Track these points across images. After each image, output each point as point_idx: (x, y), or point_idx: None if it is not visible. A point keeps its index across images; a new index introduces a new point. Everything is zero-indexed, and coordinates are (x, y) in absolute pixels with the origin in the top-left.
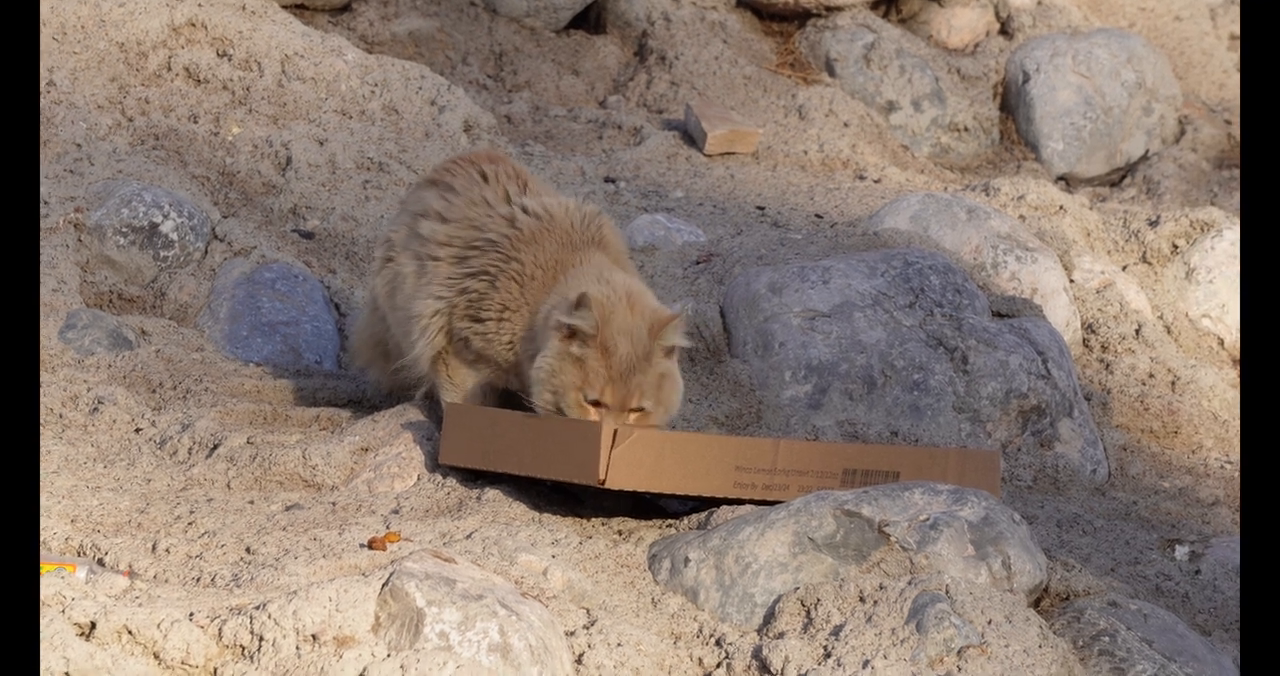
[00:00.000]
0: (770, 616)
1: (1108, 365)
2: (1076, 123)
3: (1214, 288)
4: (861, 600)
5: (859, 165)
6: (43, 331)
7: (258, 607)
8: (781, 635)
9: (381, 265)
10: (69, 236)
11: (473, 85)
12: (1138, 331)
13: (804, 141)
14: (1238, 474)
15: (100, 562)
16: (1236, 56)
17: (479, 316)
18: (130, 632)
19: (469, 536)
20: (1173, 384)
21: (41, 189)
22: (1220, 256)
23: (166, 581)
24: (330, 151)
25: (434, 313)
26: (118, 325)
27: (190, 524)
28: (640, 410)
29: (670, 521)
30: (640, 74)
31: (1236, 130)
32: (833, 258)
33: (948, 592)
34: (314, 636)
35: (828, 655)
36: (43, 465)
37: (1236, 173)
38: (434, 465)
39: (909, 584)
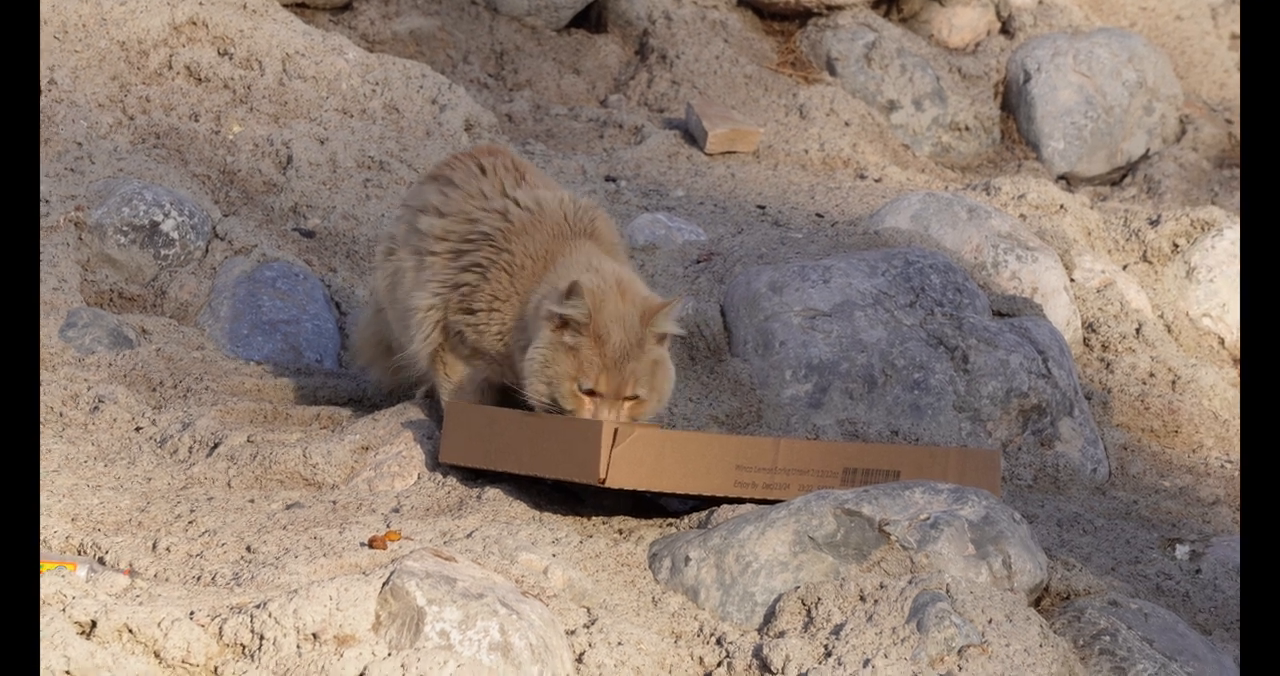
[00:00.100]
0: (771, 615)
1: (1108, 364)
2: (1077, 122)
3: (1214, 287)
4: (862, 599)
5: (860, 164)
6: (43, 330)
7: (258, 606)
8: (782, 634)
9: (383, 260)
10: (69, 235)
11: (474, 84)
12: (1138, 330)
13: (805, 141)
14: (1238, 473)
15: (101, 561)
16: (1237, 56)
17: (471, 308)
18: (131, 631)
19: (469, 535)
20: (1173, 383)
21: (42, 187)
22: (1221, 255)
23: (167, 580)
24: (331, 150)
25: (429, 307)
26: (118, 324)
27: (191, 522)
28: (635, 398)
29: (671, 520)
30: (641, 73)
31: (1237, 129)
32: (833, 257)
33: (948, 592)
34: (315, 635)
35: (828, 654)
36: (43, 464)
37: (1237, 172)
38: (434, 464)
39: (909, 583)
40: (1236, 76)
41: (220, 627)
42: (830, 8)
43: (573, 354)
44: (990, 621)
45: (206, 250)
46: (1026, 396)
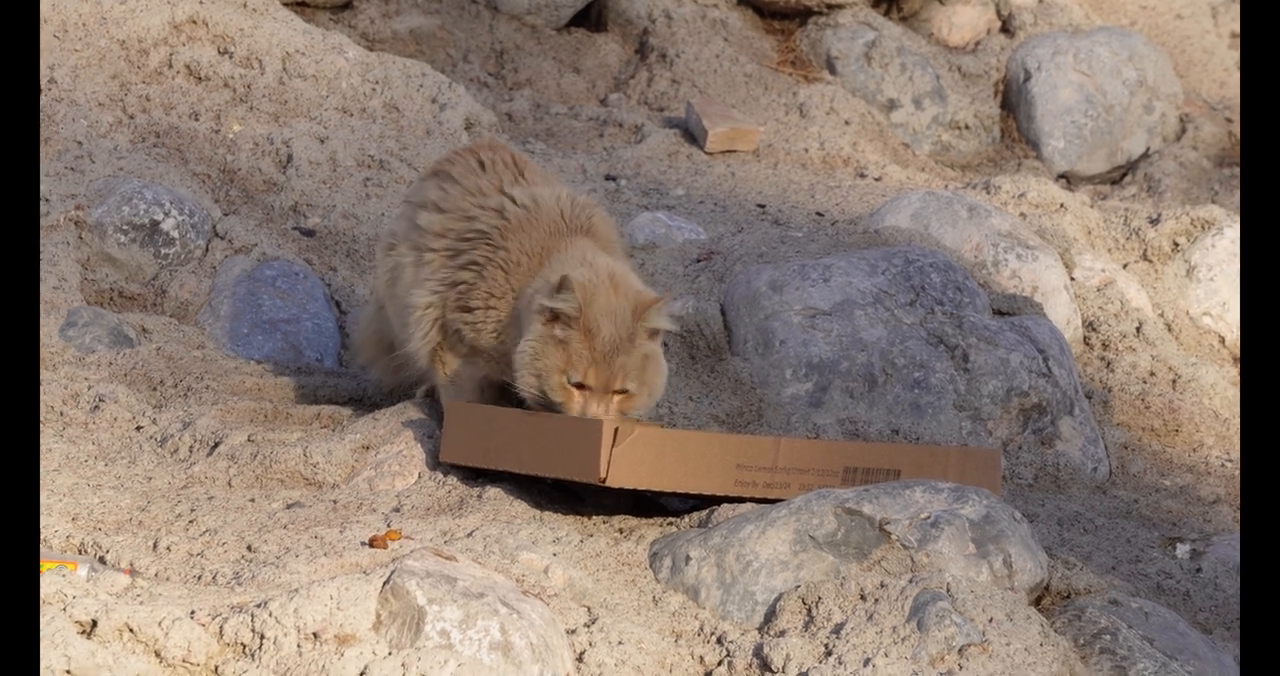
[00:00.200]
0: (771, 614)
1: (1108, 363)
2: (1077, 121)
3: (1215, 285)
4: (862, 598)
5: (860, 163)
6: (43, 329)
7: (259, 605)
8: (782, 633)
9: (383, 256)
10: (70, 234)
11: (474, 83)
12: (1138, 329)
13: (805, 139)
14: (1238, 472)
15: (101, 560)
16: (1237, 54)
17: (468, 306)
18: (131, 630)
19: (470, 534)
20: (1173, 382)
21: (42, 186)
22: (1221, 254)
23: (168, 579)
24: (331, 149)
25: (427, 305)
26: (118, 323)
27: (191, 522)
28: (624, 392)
29: (671, 519)
30: (641, 72)
31: (1237, 128)
32: (833, 255)
33: (949, 591)
34: (315, 634)
35: (829, 653)
36: (43, 463)
37: (1237, 171)
38: (435, 463)
39: (910, 582)
40: (1237, 75)
41: (221, 627)
42: (830, 6)
43: (562, 347)
44: (991, 620)
45: (207, 249)
46: (1027, 395)
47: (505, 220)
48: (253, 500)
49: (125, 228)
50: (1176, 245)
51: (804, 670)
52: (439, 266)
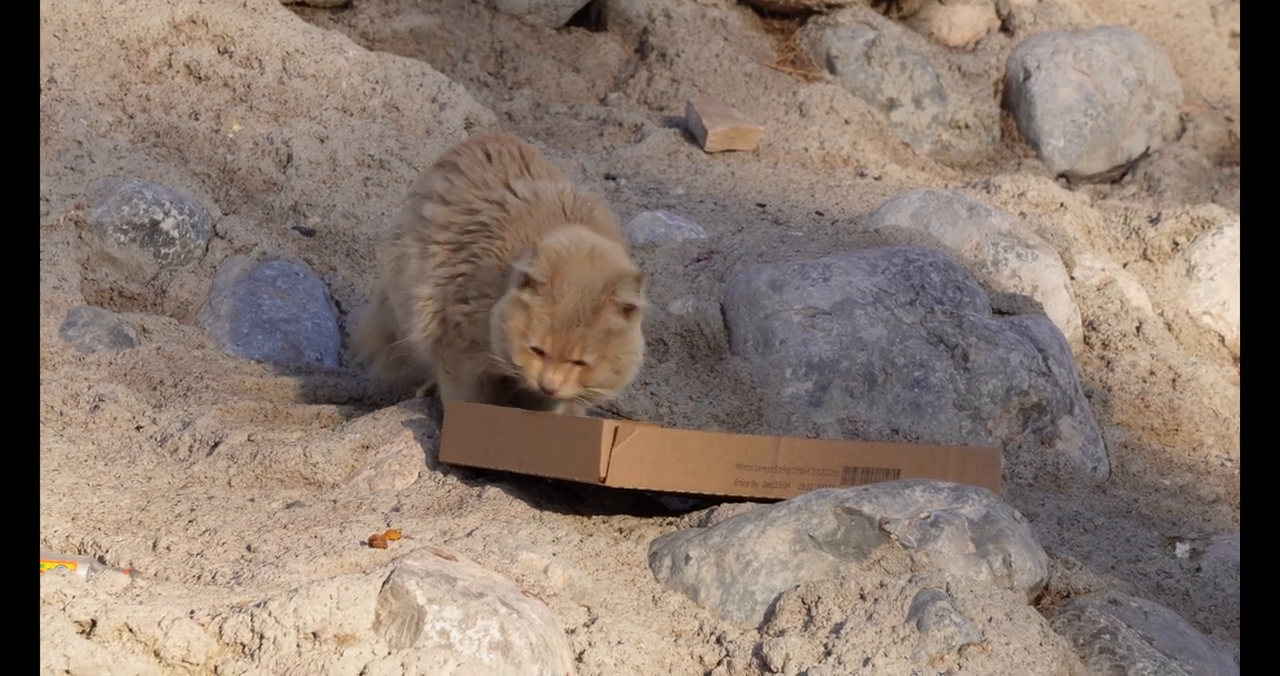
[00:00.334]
0: (771, 614)
1: (1108, 362)
2: (1077, 120)
3: (1215, 285)
4: (862, 598)
5: (860, 162)
6: (43, 329)
7: (258, 605)
8: (782, 633)
9: (389, 245)
10: (69, 234)
11: (474, 82)
12: (1138, 329)
13: (805, 139)
14: (1238, 471)
15: (101, 560)
16: (1237, 54)
17: (465, 297)
18: (131, 630)
19: (470, 534)
20: (1173, 381)
21: (42, 186)
22: (1221, 253)
23: (167, 579)
24: (331, 149)
25: (429, 296)
26: (118, 322)
27: (191, 521)
28: (582, 364)
29: (671, 519)
30: (641, 71)
31: (1237, 127)
32: (833, 255)
33: (948, 590)
34: (315, 634)
35: (828, 653)
36: (43, 463)
37: (1237, 170)
38: (435, 463)
39: (909, 581)
40: (1236, 74)
41: (220, 626)
42: (830, 6)
43: (525, 311)
44: (990, 620)
45: (206, 249)
46: (1027, 394)
47: (505, 212)
48: (252, 500)
49: (125, 227)
50: (1176, 244)
51: (803, 670)
52: (442, 260)
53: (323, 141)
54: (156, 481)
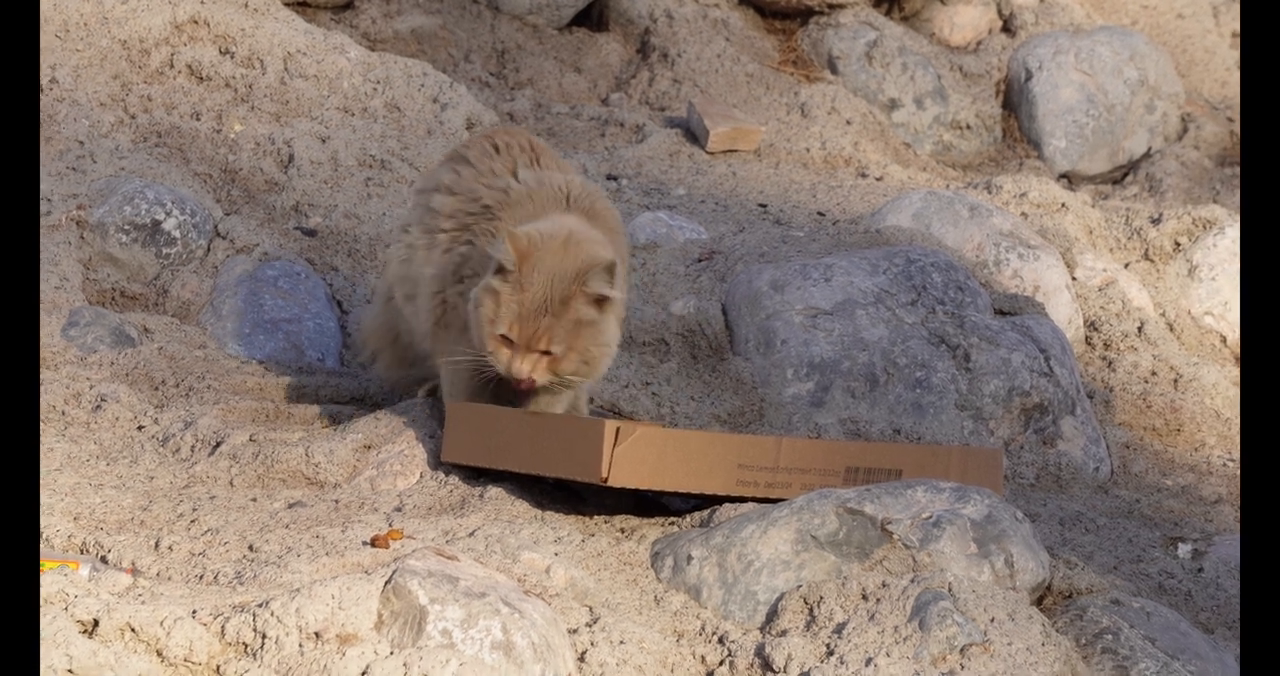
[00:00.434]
0: (773, 614)
1: (1110, 363)
2: (1079, 120)
3: (1216, 285)
4: (864, 598)
5: (861, 163)
6: (45, 329)
7: (261, 605)
8: (784, 633)
9: (397, 240)
10: (71, 234)
11: (475, 83)
12: (1140, 329)
13: (806, 139)
14: (1240, 471)
15: (103, 560)
16: (1238, 54)
17: (460, 277)
18: (133, 630)
19: (472, 534)
20: (1175, 381)
21: (43, 186)
22: (1222, 254)
23: (169, 579)
24: (333, 149)
25: (431, 277)
26: (120, 322)
27: (193, 521)
28: (549, 354)
29: (673, 519)
30: (642, 71)
31: (1239, 127)
32: (835, 255)
33: (950, 590)
34: (317, 634)
35: (830, 653)
36: (45, 463)
37: (1239, 170)
38: (436, 463)
39: (912, 582)
40: (1238, 74)
41: (223, 626)
42: (832, 6)
43: (495, 297)
44: (992, 620)
45: (208, 249)
46: (1028, 395)
47: (506, 196)
48: (254, 499)
49: (127, 227)
50: (1178, 245)
51: (805, 670)
52: (446, 246)
53: (324, 142)
54: (158, 481)
